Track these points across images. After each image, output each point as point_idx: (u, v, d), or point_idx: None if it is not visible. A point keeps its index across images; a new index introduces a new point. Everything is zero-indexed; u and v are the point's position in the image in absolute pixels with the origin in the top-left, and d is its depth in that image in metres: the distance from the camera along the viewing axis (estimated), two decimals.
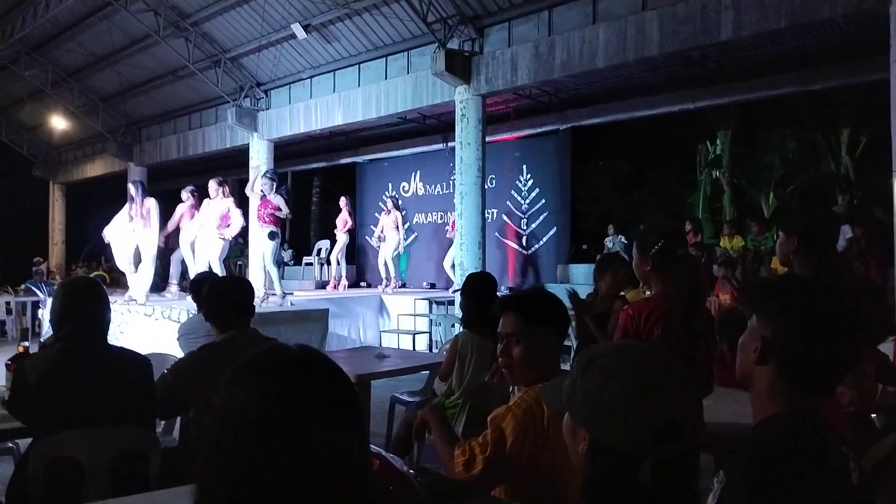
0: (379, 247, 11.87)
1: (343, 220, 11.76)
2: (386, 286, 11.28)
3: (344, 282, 12.08)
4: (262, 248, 8.48)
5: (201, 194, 9.01)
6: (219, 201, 8.46)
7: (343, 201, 11.94)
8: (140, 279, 8.63)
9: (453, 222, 10.12)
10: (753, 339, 1.26)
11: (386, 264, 11.41)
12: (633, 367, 1.15)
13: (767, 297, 1.28)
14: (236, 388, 0.96)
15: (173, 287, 9.40)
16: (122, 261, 8.62)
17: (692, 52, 8.08)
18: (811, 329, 1.21)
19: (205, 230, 8.43)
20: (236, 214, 8.35)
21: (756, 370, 1.25)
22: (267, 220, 8.26)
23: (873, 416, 2.79)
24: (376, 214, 14.15)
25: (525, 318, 1.99)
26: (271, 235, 8.22)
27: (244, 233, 13.15)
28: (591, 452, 1.15)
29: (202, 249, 8.48)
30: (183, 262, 9.13)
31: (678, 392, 1.14)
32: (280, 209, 8.30)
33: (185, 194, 9.09)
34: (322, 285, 12.69)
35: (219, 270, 8.31)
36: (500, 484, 1.96)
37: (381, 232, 11.69)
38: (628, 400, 1.11)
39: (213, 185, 8.53)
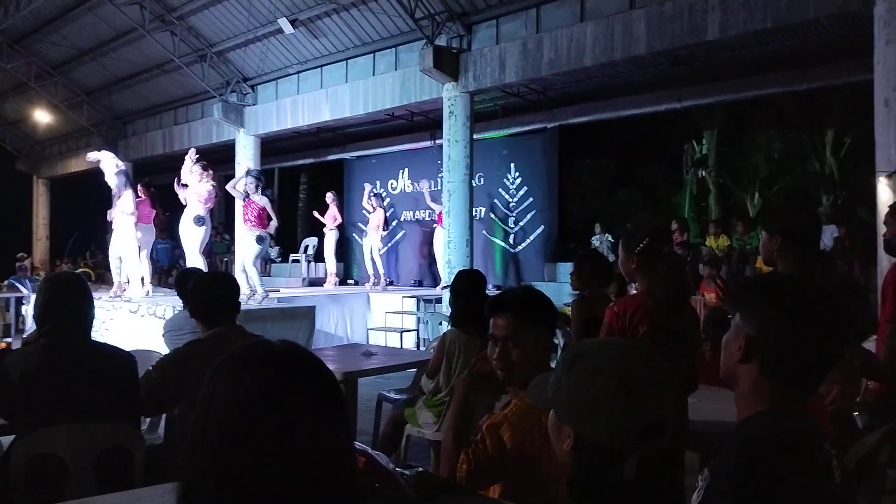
0: (363, 242, 11.89)
1: (332, 216, 11.73)
2: (375, 284, 11.24)
3: (335, 279, 12.05)
4: (246, 250, 8.37)
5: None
6: (200, 185, 8.34)
7: (330, 197, 11.90)
8: (129, 272, 8.58)
9: (440, 214, 10.11)
10: (737, 337, 1.26)
11: (373, 261, 11.38)
12: (618, 365, 1.15)
13: (751, 296, 1.28)
14: (220, 383, 0.95)
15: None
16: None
17: (679, 52, 8.13)
18: (795, 326, 1.21)
19: (184, 217, 8.33)
20: (203, 189, 8.21)
21: (740, 368, 1.25)
22: (253, 222, 8.13)
23: (856, 414, 2.82)
24: (364, 213, 14.16)
25: (520, 318, 1.95)
26: (259, 239, 8.12)
27: (230, 230, 13.13)
28: (576, 449, 1.15)
29: (184, 239, 8.41)
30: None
31: (662, 389, 1.15)
32: (267, 213, 8.10)
33: (141, 189, 8.99)
34: (318, 282, 12.60)
35: (200, 261, 8.19)
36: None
37: (366, 227, 11.69)
38: (613, 397, 1.12)
39: (196, 168, 8.36)
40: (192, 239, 8.23)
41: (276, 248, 16.06)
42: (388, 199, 13.07)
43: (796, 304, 1.22)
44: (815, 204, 13.75)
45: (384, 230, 11.58)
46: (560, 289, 10.34)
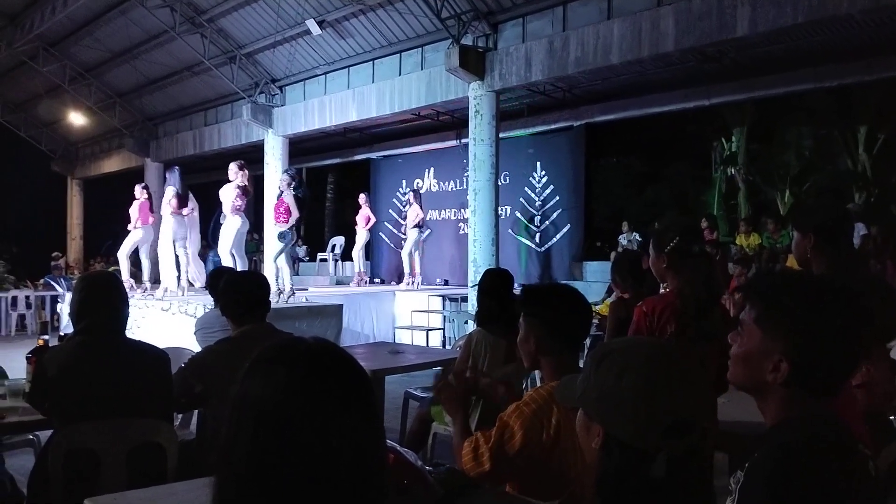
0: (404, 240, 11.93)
1: (365, 217, 11.77)
2: (410, 283, 11.21)
3: (365, 277, 12.10)
4: (272, 245, 8.47)
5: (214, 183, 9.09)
6: (232, 184, 8.39)
7: (363, 198, 11.94)
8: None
9: None
10: (766, 354, 1.23)
11: (410, 258, 11.34)
12: (646, 363, 1.15)
13: (785, 317, 1.22)
14: (254, 380, 0.97)
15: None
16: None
17: (708, 48, 8.03)
18: (833, 343, 1.19)
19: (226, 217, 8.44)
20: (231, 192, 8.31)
21: (772, 385, 1.23)
22: (282, 218, 8.18)
23: (892, 417, 2.76)
24: (390, 210, 14.23)
25: (522, 312, 2.13)
26: (281, 236, 8.18)
27: (259, 229, 13.29)
28: (604, 447, 1.16)
29: (221, 238, 8.53)
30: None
31: (691, 387, 1.14)
32: (290, 211, 8.15)
33: (138, 190, 9.18)
34: (346, 282, 12.67)
35: (228, 258, 8.27)
36: (508, 481, 1.97)
37: (404, 221, 11.74)
38: (640, 395, 1.12)
39: (233, 167, 8.40)
40: (225, 238, 8.32)
41: (304, 247, 16.21)
42: (422, 190, 13.01)
43: (832, 319, 1.19)
44: (847, 201, 13.48)
45: (419, 226, 11.37)
46: (587, 287, 10.29)
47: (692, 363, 1.21)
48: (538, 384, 2.30)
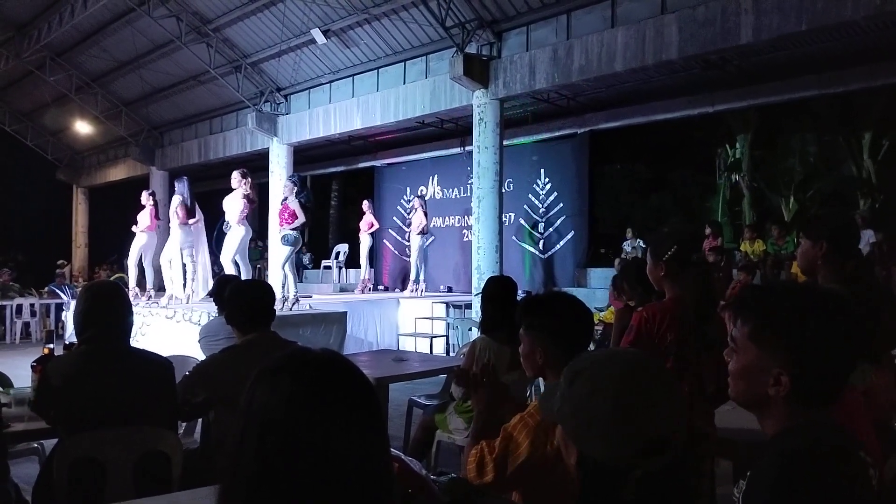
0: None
1: (368, 223, 11.81)
2: (414, 290, 11.22)
3: (369, 284, 12.11)
4: (277, 251, 8.50)
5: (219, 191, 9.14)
6: (237, 193, 8.43)
7: (366, 204, 11.98)
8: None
9: None
10: (764, 369, 1.22)
11: (416, 265, 11.35)
12: (617, 381, 1.13)
13: (777, 331, 1.22)
14: (261, 390, 0.98)
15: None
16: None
17: (711, 56, 8.04)
18: (827, 350, 1.19)
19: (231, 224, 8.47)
20: (237, 202, 8.32)
21: (772, 399, 1.23)
22: (288, 220, 8.22)
23: None
24: (394, 218, 14.25)
25: (522, 326, 2.13)
26: (284, 239, 8.20)
27: (263, 237, 13.31)
28: (580, 465, 1.15)
29: (224, 246, 8.57)
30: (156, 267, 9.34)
31: (664, 404, 1.13)
32: (296, 216, 8.19)
33: (145, 197, 9.25)
34: (350, 289, 12.68)
35: (230, 266, 8.29)
36: (511, 491, 1.97)
37: (408, 228, 11.76)
38: (609, 416, 1.10)
39: (236, 175, 8.43)
40: (228, 245, 8.36)
41: (308, 254, 16.23)
42: (426, 197, 13.01)
43: (829, 335, 1.19)
44: (852, 208, 13.45)
45: (423, 233, 11.30)
46: (591, 294, 10.28)
47: (667, 376, 1.20)
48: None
